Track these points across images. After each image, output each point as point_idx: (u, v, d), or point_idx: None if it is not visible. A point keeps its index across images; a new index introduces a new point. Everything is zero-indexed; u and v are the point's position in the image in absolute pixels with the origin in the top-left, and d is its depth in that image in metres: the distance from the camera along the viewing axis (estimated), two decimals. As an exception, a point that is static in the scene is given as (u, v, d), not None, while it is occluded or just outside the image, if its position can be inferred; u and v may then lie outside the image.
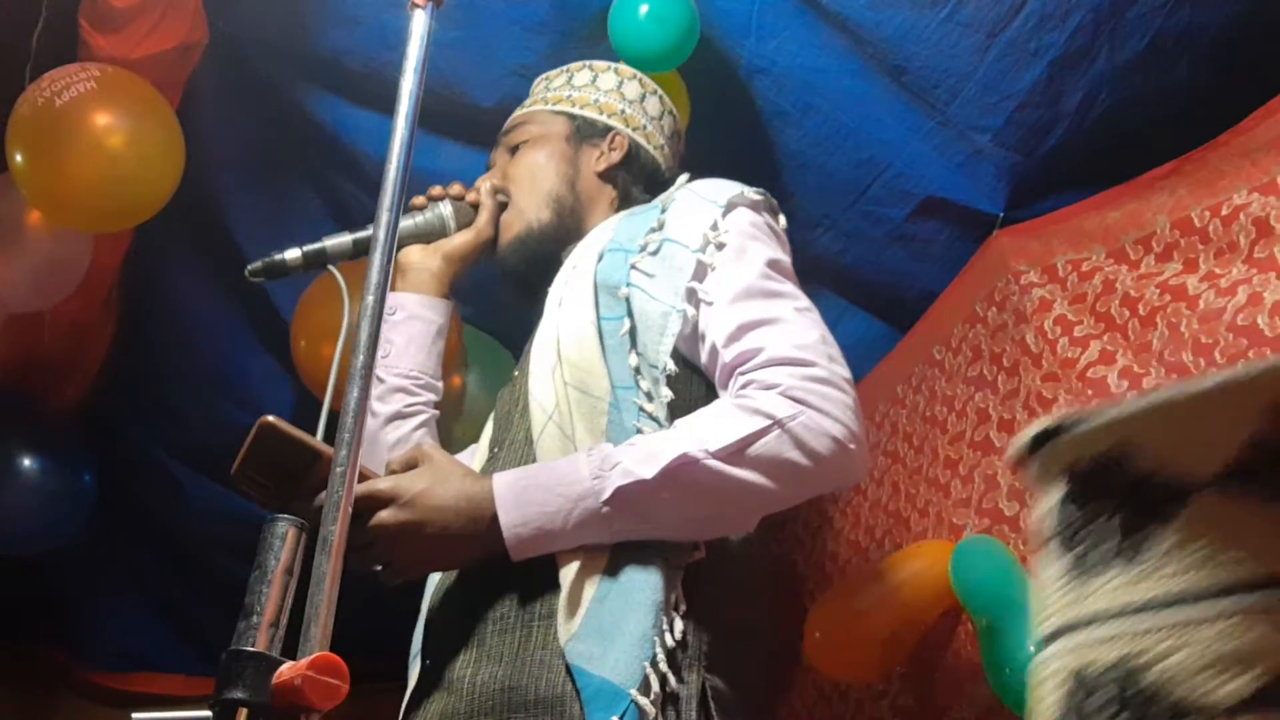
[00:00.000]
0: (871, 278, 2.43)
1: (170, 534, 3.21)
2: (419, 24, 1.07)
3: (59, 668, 3.53)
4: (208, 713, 0.78)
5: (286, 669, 0.76)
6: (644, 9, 1.94)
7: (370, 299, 0.94)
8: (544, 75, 1.77)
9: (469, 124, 2.33)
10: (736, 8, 2.08)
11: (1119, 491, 0.69)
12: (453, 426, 2.19)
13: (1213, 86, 1.89)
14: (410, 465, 1.25)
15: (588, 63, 1.75)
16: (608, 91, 1.70)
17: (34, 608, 3.31)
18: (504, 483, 1.22)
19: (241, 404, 2.89)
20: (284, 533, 0.84)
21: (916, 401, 2.43)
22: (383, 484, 1.21)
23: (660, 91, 1.77)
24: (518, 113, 1.72)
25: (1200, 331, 1.67)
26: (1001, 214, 2.20)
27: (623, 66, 1.75)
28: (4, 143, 2.07)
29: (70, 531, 2.83)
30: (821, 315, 2.56)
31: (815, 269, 2.45)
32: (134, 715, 3.61)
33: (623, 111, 1.68)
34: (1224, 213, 1.70)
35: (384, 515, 1.19)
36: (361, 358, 0.91)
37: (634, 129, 1.68)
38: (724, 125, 2.23)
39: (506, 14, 2.15)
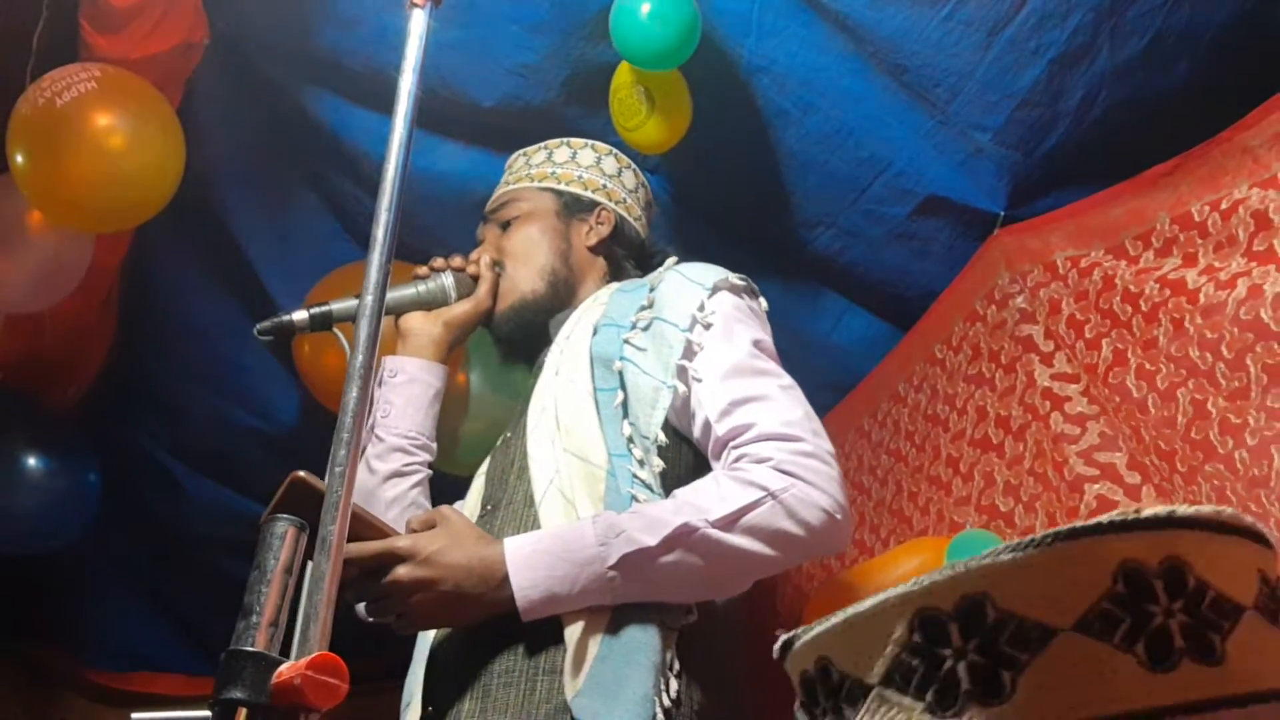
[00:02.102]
0: (872, 276, 2.43)
1: (170, 534, 3.21)
2: (418, 23, 1.08)
3: (60, 667, 3.54)
4: (207, 712, 0.78)
5: (286, 668, 0.76)
6: (645, 8, 1.93)
7: (369, 299, 0.95)
8: (522, 152, 1.84)
9: (468, 123, 2.33)
10: (737, 7, 2.08)
11: (827, 696, 0.78)
12: (458, 425, 2.19)
13: (1213, 85, 1.89)
14: (429, 526, 1.33)
15: (565, 140, 1.83)
16: (588, 167, 1.79)
17: (35, 608, 3.32)
18: (515, 547, 1.29)
19: (242, 404, 2.89)
20: (283, 532, 0.84)
21: (919, 400, 2.43)
22: (401, 542, 1.29)
23: (634, 165, 1.86)
24: (503, 190, 1.80)
25: (1205, 326, 1.66)
26: (1002, 213, 2.20)
27: (598, 144, 1.84)
28: (5, 143, 2.07)
29: (72, 532, 2.84)
30: (823, 314, 2.57)
31: (816, 268, 2.45)
32: (134, 715, 3.62)
33: (604, 186, 1.78)
34: (1223, 207, 1.70)
35: (401, 571, 1.27)
36: (360, 357, 0.91)
37: (616, 202, 1.78)
38: (725, 124, 2.23)
39: (506, 13, 2.15)
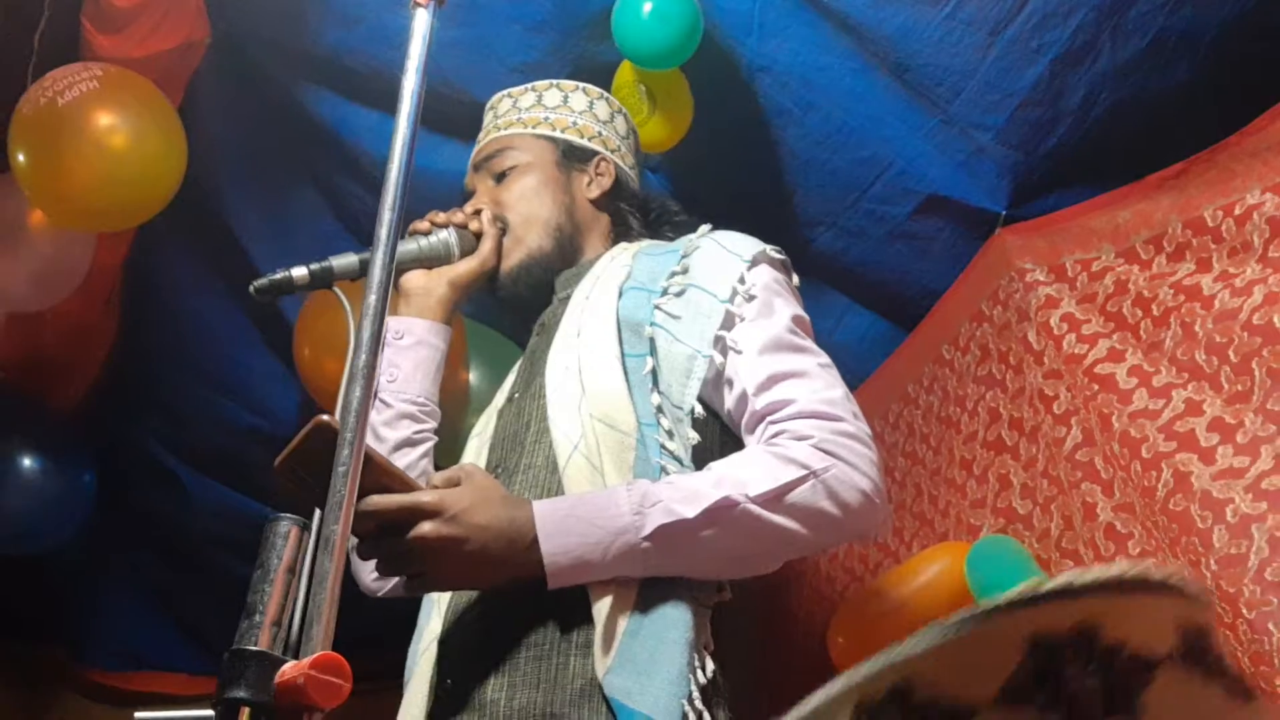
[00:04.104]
0: (873, 276, 2.43)
1: (171, 533, 3.21)
2: (421, 23, 1.07)
3: (60, 667, 3.54)
4: (210, 712, 0.78)
5: (289, 668, 0.76)
6: (647, 7, 1.94)
7: (372, 298, 0.94)
8: (506, 93, 1.75)
9: (471, 123, 2.32)
10: (739, 6, 2.08)
11: None
12: (458, 419, 2.19)
13: (1213, 85, 1.89)
14: (452, 482, 1.25)
15: (553, 82, 1.74)
16: (581, 112, 1.71)
17: (35, 607, 3.32)
18: (545, 510, 1.23)
19: (242, 403, 2.89)
20: (286, 531, 0.84)
21: (930, 402, 2.43)
22: (427, 497, 1.21)
23: (623, 110, 1.78)
24: (494, 136, 1.70)
25: (1215, 331, 1.67)
26: (1003, 212, 2.20)
27: (589, 86, 1.75)
28: (6, 142, 2.07)
29: (71, 531, 2.84)
30: (824, 313, 2.58)
31: (817, 267, 2.45)
32: (136, 714, 3.61)
33: (600, 134, 1.70)
34: (1237, 212, 1.70)
35: (425, 528, 1.19)
36: (364, 357, 0.91)
37: (612, 150, 1.70)
38: (726, 123, 2.23)
39: (508, 13, 2.15)
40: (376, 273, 0.95)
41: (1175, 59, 1.89)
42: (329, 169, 2.53)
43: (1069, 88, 1.98)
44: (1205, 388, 1.67)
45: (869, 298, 2.52)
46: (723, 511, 1.23)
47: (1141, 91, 1.94)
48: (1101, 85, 1.96)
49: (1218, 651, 0.74)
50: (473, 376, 2.32)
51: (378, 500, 1.18)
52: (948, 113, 2.09)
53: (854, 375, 2.66)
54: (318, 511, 0.91)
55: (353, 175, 2.49)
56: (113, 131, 2.04)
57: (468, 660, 1.29)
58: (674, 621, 1.23)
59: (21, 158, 2.05)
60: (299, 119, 2.42)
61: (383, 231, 0.97)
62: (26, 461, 2.70)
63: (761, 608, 2.67)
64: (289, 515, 0.85)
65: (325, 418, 1.10)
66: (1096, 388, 1.85)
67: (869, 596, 2.18)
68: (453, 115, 2.31)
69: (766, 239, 2.42)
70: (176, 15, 2.13)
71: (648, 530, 1.21)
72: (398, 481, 1.21)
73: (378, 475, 1.18)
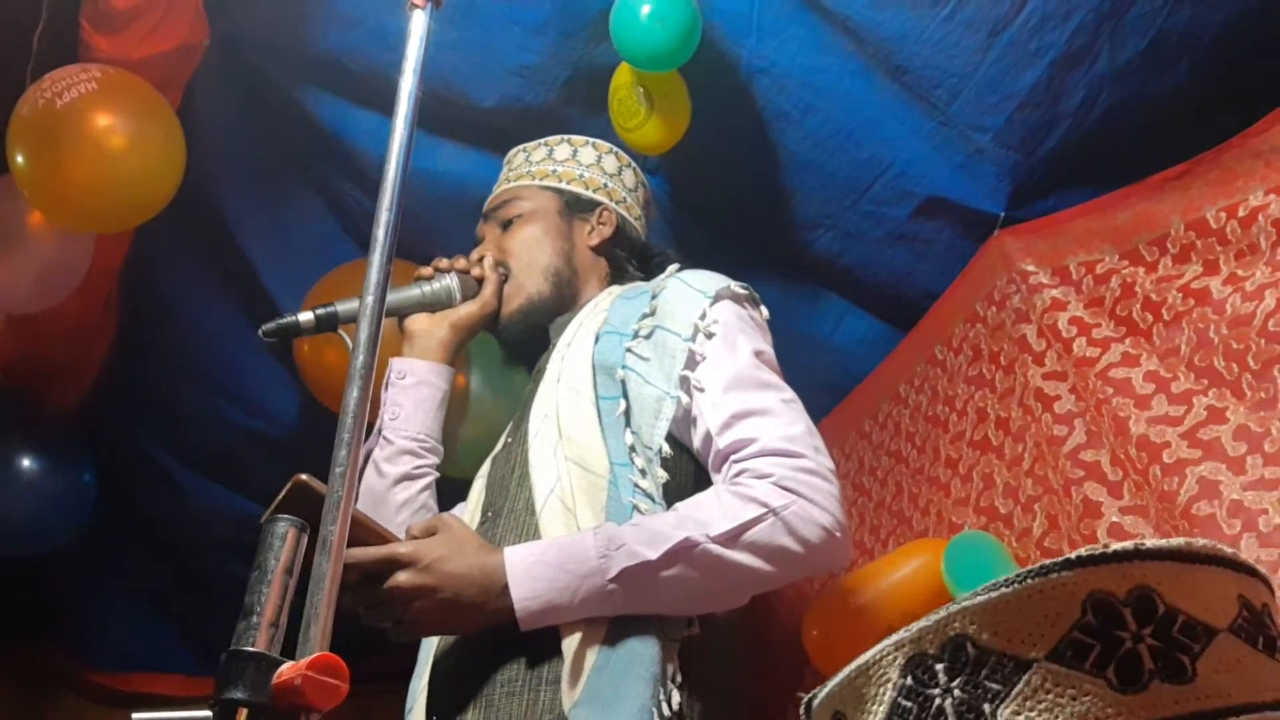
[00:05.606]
0: (872, 277, 2.43)
1: (170, 534, 3.22)
2: (418, 24, 1.07)
3: (59, 667, 3.54)
4: (208, 713, 0.78)
5: (286, 669, 0.76)
6: (646, 9, 1.94)
7: (370, 299, 0.95)
8: (521, 148, 1.82)
9: (468, 125, 2.33)
10: (737, 8, 2.08)
11: None
12: (457, 428, 2.19)
13: (1213, 87, 1.89)
14: (430, 532, 1.33)
15: (565, 137, 1.81)
16: (589, 166, 1.77)
17: (34, 608, 3.32)
18: (516, 557, 1.29)
19: (242, 404, 2.89)
20: (284, 533, 0.84)
21: (919, 401, 2.43)
22: (402, 548, 1.29)
23: (633, 164, 1.85)
24: (503, 188, 1.78)
25: (1230, 337, 1.66)
26: (1002, 214, 2.20)
27: (599, 141, 1.82)
28: (5, 144, 2.07)
29: (70, 532, 2.84)
30: (823, 315, 2.58)
31: (816, 269, 2.45)
32: (134, 715, 3.61)
33: (605, 185, 1.77)
34: (1241, 214, 1.70)
35: (401, 577, 1.27)
36: (361, 358, 0.91)
37: (617, 202, 1.77)
38: (725, 126, 2.23)
39: (506, 14, 2.16)
40: (373, 275, 0.95)
41: (1174, 60, 1.89)
42: (328, 171, 2.53)
43: (1068, 89, 1.98)
44: (1227, 394, 1.66)
45: (868, 299, 2.52)
46: (684, 552, 1.28)
47: (1141, 93, 1.94)
48: (1100, 87, 1.96)
49: (1277, 631, 0.76)
50: (473, 382, 2.32)
51: (356, 553, 1.25)
52: (946, 114, 2.09)
53: (853, 377, 2.66)
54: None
55: (351, 177, 2.50)
56: (111, 133, 2.04)
57: (451, 697, 1.35)
58: (640, 656, 1.27)
59: (20, 159, 2.05)
60: (298, 121, 2.42)
61: (379, 232, 0.98)
62: (26, 462, 2.71)
63: (747, 611, 2.68)
64: (286, 517, 0.85)
65: (304, 477, 1.20)
66: (1111, 391, 1.84)
67: (845, 590, 2.18)
68: (451, 117, 2.32)
69: (765, 241, 2.43)
70: (175, 17, 2.13)
71: (613, 573, 1.26)
72: (374, 535, 1.29)
73: (355, 530, 1.23)
